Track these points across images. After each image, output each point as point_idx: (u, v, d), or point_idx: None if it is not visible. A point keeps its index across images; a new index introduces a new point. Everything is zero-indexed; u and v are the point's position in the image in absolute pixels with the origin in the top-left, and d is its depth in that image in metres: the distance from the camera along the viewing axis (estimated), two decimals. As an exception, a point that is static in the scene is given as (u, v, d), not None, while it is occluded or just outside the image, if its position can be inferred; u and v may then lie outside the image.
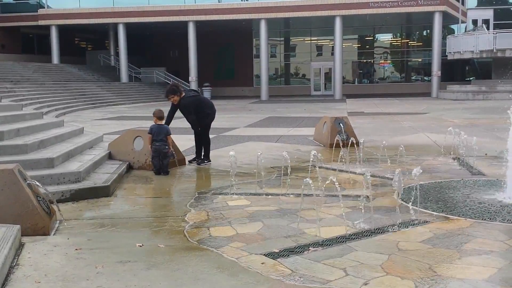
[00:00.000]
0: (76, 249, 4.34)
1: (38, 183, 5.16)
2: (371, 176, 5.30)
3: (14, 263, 3.96)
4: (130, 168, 8.18)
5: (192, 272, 3.82)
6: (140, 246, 4.44)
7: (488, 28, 36.04)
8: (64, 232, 4.92)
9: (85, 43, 46.53)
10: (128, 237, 4.80)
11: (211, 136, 9.29)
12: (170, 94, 8.63)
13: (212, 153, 9.12)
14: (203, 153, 8.91)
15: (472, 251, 4.22)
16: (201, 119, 8.78)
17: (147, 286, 3.55)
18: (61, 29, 36.46)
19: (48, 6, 37.21)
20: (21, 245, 4.38)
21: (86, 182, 6.61)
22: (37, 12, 36.57)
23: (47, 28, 36.20)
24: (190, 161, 8.87)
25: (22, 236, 4.51)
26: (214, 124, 9.33)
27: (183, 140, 10.26)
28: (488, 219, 5.10)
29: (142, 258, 4.12)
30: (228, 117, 19.14)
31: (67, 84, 29.73)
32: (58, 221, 5.18)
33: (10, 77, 26.94)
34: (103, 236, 4.84)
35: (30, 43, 41.36)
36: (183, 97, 8.63)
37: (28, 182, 4.95)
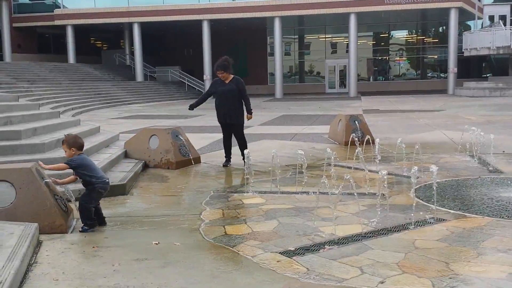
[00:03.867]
0: (93, 247, 4.38)
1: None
2: (387, 174, 5.27)
3: (33, 261, 4.01)
4: (146, 166, 8.22)
5: (208, 270, 3.83)
6: (156, 244, 4.47)
7: (505, 24, 35.56)
8: (81, 230, 4.95)
9: (100, 43, 46.86)
10: (144, 235, 4.83)
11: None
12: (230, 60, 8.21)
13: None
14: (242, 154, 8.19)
15: (490, 250, 4.17)
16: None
17: (164, 283, 3.57)
18: (77, 28, 36.76)
19: (64, 6, 37.55)
20: (39, 243, 4.43)
21: (103, 180, 6.64)
22: (53, 12, 36.88)
23: (63, 28, 36.52)
24: (224, 165, 8.37)
25: (40, 234, 4.56)
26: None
27: (197, 139, 10.28)
28: (506, 217, 5.04)
29: (158, 256, 4.14)
30: (242, 115, 19.10)
31: (83, 84, 29.97)
32: (75, 219, 5.23)
33: (26, 77, 27.21)
34: (120, 234, 4.88)
35: (46, 43, 41.72)
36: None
37: (45, 180, 5.00)
